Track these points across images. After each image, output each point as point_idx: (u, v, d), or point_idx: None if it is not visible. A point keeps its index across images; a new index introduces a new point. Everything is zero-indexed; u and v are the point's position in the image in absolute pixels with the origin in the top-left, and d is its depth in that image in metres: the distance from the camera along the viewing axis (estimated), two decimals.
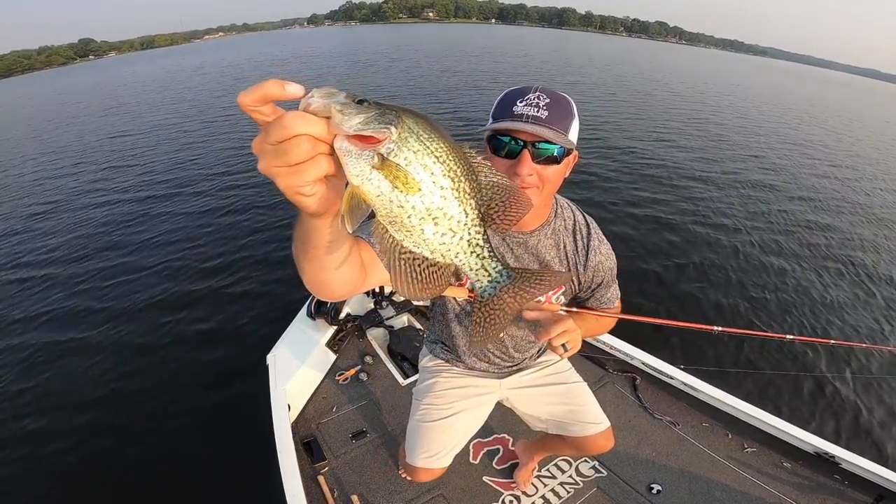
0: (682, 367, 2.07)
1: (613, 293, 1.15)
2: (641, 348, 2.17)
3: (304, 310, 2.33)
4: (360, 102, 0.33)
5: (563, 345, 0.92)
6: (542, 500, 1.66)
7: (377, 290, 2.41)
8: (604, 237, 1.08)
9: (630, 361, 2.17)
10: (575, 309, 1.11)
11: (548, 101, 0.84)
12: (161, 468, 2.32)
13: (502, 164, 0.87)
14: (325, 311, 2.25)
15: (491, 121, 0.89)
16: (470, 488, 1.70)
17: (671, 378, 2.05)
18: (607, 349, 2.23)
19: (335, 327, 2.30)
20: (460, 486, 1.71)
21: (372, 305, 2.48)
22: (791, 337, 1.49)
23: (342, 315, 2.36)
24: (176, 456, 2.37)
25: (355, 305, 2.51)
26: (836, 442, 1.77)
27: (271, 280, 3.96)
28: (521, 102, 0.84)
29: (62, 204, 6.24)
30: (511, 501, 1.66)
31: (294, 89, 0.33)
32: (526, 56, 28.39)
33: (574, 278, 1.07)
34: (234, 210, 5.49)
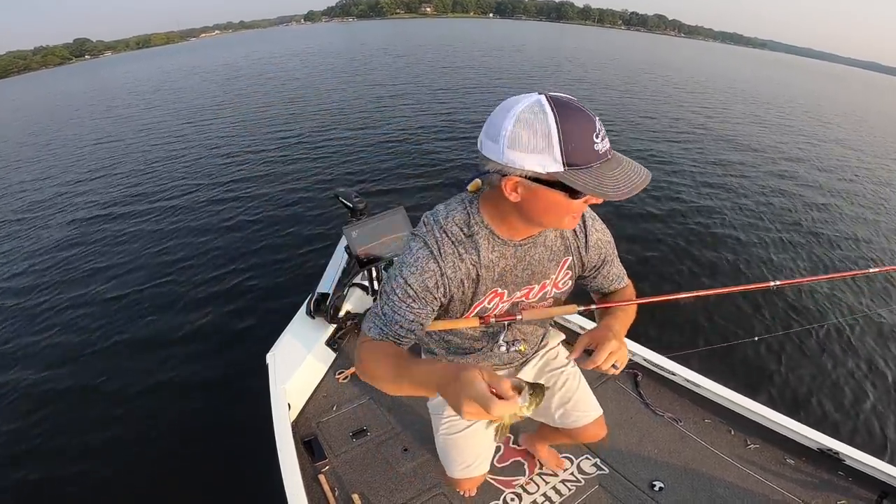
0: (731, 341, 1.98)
1: (620, 269, 1.12)
2: (642, 343, 2.15)
3: (303, 308, 2.32)
4: (533, 391, 0.63)
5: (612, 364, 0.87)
6: (543, 498, 1.65)
7: (376, 287, 2.40)
8: (595, 214, 1.06)
9: (631, 357, 2.15)
10: (595, 306, 1.09)
11: (601, 122, 0.73)
12: (161, 468, 2.32)
13: (574, 206, 0.77)
14: (324, 309, 2.23)
15: (566, 167, 0.70)
16: None
17: (673, 374, 2.03)
18: None
19: (335, 325, 2.28)
20: None
21: (371, 303, 2.46)
22: (875, 269, 1.49)
23: (342, 313, 2.35)
24: (176, 455, 2.37)
25: (355, 303, 2.49)
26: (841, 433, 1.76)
27: (270, 279, 3.96)
28: (598, 138, 0.71)
29: (53, 216, 6.19)
30: (512, 499, 1.65)
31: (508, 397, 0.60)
32: (529, 51, 27.67)
33: (577, 261, 1.05)
34: (230, 211, 5.48)
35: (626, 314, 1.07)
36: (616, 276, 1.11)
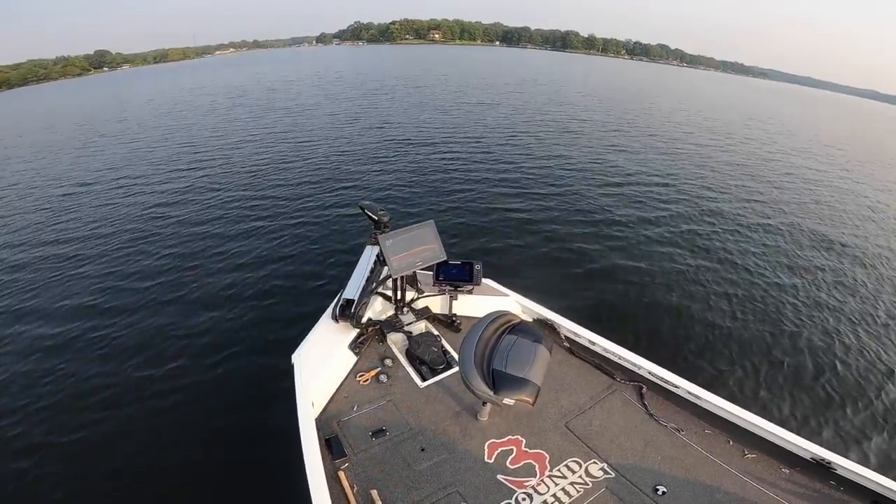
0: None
1: None
2: (648, 358, 2.27)
3: (328, 312, 2.44)
4: None
5: None
6: (553, 499, 1.74)
7: (399, 296, 2.53)
8: None
9: (637, 371, 2.27)
10: None
11: None
12: (195, 458, 2.43)
13: None
14: (348, 314, 2.35)
15: None
16: (485, 486, 1.79)
17: (676, 387, 2.14)
18: (616, 359, 2.33)
19: (357, 330, 2.40)
20: (475, 483, 1.79)
21: (392, 311, 2.59)
22: None
23: (364, 319, 2.47)
24: (208, 447, 2.49)
25: (377, 311, 2.62)
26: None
27: (298, 284, 4.12)
28: None
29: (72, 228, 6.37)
30: (524, 499, 1.74)
31: None
32: (542, 84, 26.04)
33: None
34: (260, 220, 5.72)
35: None
36: None
